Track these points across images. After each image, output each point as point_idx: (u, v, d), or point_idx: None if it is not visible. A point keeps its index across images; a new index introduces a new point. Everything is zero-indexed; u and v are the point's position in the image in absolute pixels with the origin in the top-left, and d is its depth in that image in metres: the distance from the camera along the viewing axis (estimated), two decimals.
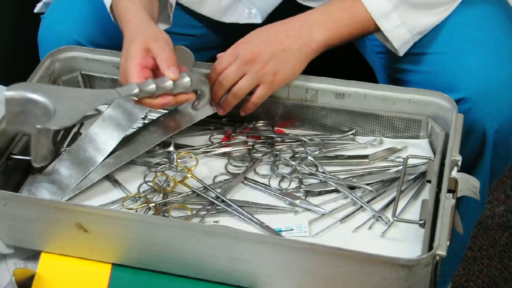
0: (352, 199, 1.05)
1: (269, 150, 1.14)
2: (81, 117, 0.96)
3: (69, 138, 1.17)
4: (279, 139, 1.16)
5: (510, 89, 1.08)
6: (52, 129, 0.93)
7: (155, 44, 1.02)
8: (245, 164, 1.13)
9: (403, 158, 1.08)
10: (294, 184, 1.09)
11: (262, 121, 1.19)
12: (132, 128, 1.15)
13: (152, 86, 0.99)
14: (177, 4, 1.24)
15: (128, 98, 1.01)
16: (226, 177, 1.11)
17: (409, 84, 1.18)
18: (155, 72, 1.03)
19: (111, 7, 1.12)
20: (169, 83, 1.00)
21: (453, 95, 1.07)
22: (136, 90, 0.98)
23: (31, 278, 1.02)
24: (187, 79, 1.02)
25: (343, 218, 1.03)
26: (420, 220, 0.97)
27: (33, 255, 1.06)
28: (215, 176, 1.11)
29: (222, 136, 1.18)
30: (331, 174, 1.09)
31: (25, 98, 0.96)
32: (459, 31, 1.13)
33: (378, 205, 1.05)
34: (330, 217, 1.04)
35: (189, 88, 1.03)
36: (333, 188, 1.07)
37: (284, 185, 1.09)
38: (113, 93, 0.99)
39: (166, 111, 1.16)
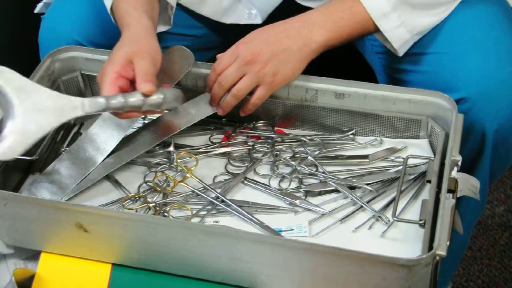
0: (352, 199, 1.05)
1: (269, 150, 1.14)
2: (34, 142, 0.93)
3: (69, 138, 1.17)
4: (279, 139, 1.16)
5: (510, 89, 1.08)
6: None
7: (139, 60, 1.01)
8: (245, 164, 1.13)
9: (403, 158, 1.08)
10: (294, 184, 1.09)
11: (262, 121, 1.19)
12: (132, 128, 1.15)
13: (119, 103, 0.98)
14: (177, 4, 1.24)
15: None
16: (226, 177, 1.11)
17: (409, 84, 1.17)
18: (133, 84, 1.01)
19: (111, 8, 1.12)
20: (138, 100, 0.99)
21: (453, 95, 1.07)
22: (102, 107, 0.97)
23: (31, 278, 1.02)
24: (158, 96, 1.00)
25: (343, 218, 1.03)
26: (420, 220, 0.97)
27: (33, 255, 1.06)
28: (215, 176, 1.11)
29: (222, 136, 1.18)
30: (331, 174, 1.09)
31: None
32: (459, 31, 1.13)
33: (378, 205, 1.05)
34: (330, 217, 1.04)
35: (160, 107, 1.02)
36: (333, 188, 1.07)
37: (284, 185, 1.09)
38: (78, 107, 0.96)
39: (166, 111, 1.16)
